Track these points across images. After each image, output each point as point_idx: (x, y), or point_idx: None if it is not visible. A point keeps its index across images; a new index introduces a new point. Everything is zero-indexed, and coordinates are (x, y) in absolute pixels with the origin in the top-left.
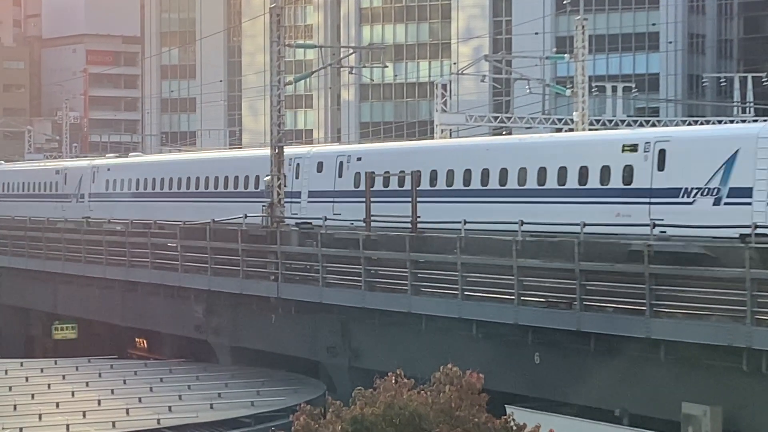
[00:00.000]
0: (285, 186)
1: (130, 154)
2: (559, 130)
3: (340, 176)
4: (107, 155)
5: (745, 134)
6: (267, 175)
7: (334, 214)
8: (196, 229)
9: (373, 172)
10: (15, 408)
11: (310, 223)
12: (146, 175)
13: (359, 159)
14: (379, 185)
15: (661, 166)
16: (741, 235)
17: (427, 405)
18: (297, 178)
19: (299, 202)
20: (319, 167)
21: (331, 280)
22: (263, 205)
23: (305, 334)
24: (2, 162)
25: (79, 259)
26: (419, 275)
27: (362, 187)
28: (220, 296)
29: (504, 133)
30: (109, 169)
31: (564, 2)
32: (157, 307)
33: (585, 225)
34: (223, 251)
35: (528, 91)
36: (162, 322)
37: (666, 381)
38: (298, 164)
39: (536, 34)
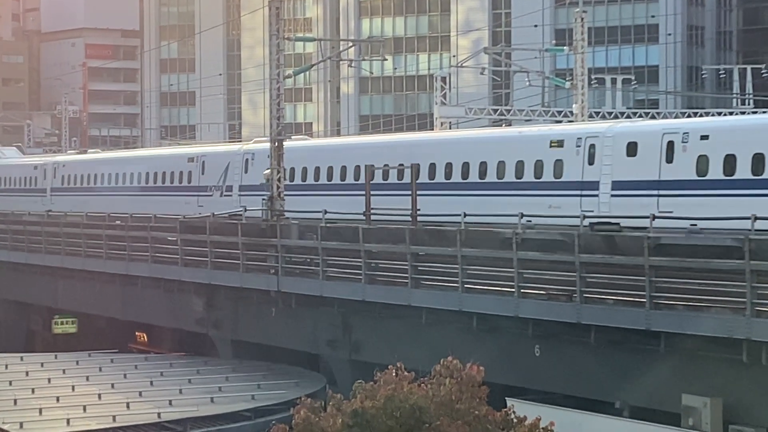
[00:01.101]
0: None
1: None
2: (559, 122)
3: (245, 171)
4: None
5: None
6: (267, 169)
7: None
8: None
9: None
10: (15, 402)
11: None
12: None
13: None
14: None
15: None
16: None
17: (427, 398)
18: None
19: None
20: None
21: (331, 274)
22: (263, 199)
23: (305, 328)
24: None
25: (79, 253)
26: (419, 268)
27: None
28: (221, 290)
29: (503, 125)
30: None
31: None
32: (158, 301)
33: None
34: (223, 245)
35: (527, 83)
36: (162, 316)
37: (666, 373)
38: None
39: (535, 26)
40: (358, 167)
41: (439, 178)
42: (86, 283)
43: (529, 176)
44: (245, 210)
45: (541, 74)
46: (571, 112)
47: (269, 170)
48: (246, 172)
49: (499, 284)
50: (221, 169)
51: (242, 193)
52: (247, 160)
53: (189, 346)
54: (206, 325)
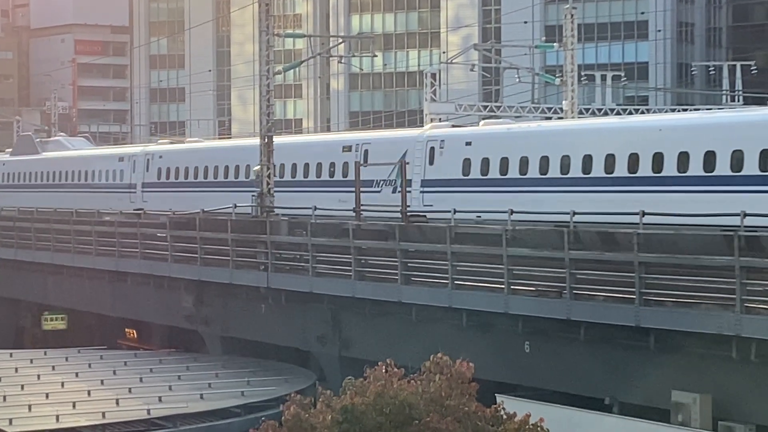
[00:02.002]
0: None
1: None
2: (548, 119)
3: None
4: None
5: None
6: (256, 165)
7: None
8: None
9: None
10: (4, 399)
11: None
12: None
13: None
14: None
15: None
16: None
17: (417, 394)
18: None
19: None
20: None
21: (321, 270)
22: (252, 195)
23: (295, 324)
24: None
25: (68, 249)
26: (409, 265)
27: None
28: (210, 286)
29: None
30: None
31: None
32: (147, 298)
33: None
34: (213, 241)
35: (517, 80)
36: (152, 312)
37: (655, 369)
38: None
39: (525, 23)
40: None
41: None
42: (76, 279)
43: None
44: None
45: (530, 71)
46: (561, 109)
47: (258, 167)
48: (431, 163)
49: (489, 281)
50: (394, 159)
51: (425, 189)
52: (432, 148)
53: (179, 343)
54: (196, 322)
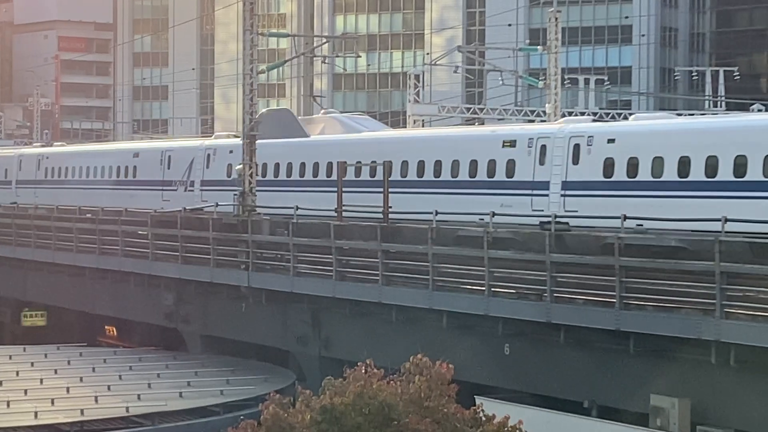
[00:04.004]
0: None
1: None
2: (531, 122)
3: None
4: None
5: None
6: (239, 164)
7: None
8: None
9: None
10: None
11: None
12: None
13: None
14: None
15: None
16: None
17: (396, 395)
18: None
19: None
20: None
21: (302, 270)
22: (234, 194)
23: (275, 324)
24: None
25: (49, 246)
26: (390, 265)
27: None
28: (191, 285)
29: (476, 123)
30: None
31: None
32: (127, 295)
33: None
34: (194, 240)
35: (501, 82)
36: (132, 310)
37: (635, 373)
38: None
39: (509, 25)
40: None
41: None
42: (56, 276)
43: None
44: (217, 205)
45: (514, 73)
46: (544, 112)
47: (240, 165)
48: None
49: (470, 282)
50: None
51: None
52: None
53: (158, 341)
54: (176, 320)
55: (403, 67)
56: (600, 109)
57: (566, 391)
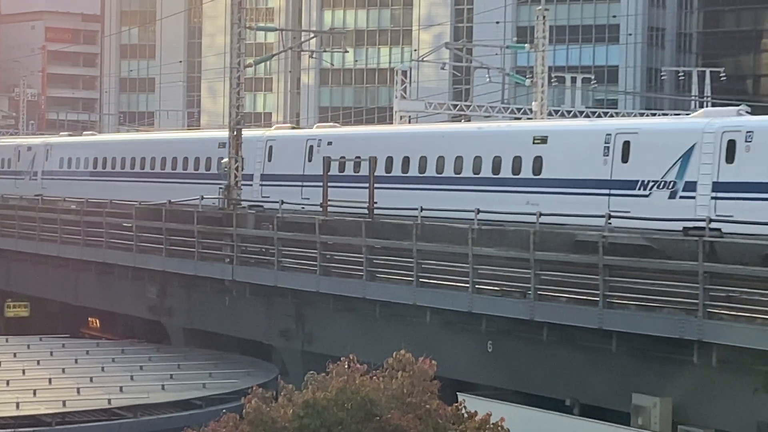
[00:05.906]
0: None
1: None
2: (519, 119)
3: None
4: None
5: None
6: (224, 158)
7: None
8: (152, 210)
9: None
10: None
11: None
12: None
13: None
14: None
15: None
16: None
17: (379, 390)
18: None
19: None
20: None
21: (286, 264)
22: (220, 187)
23: (259, 318)
24: None
25: (33, 237)
26: (374, 261)
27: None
28: (175, 277)
29: (462, 121)
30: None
31: None
32: (111, 287)
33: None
34: (179, 232)
35: (488, 79)
36: (115, 302)
37: (617, 372)
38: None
39: (497, 23)
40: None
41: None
42: (40, 266)
43: None
44: (202, 198)
45: (501, 71)
46: (531, 110)
47: (226, 159)
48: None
49: (454, 279)
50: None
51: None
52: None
53: (141, 333)
54: (159, 313)
55: (390, 63)
56: (586, 107)
57: (549, 389)
